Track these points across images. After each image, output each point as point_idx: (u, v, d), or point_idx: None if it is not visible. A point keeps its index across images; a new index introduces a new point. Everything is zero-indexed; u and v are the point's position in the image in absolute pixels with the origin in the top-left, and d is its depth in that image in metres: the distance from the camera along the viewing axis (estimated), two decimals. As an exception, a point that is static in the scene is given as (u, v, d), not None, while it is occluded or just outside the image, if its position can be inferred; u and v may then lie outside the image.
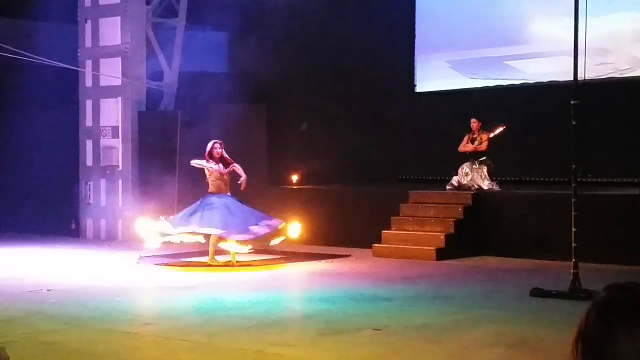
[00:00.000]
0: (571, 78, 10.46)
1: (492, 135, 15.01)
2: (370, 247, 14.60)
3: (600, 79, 14.72)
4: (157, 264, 13.46)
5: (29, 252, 15.43)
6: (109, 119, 17.76)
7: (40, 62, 16.06)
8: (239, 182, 13.15)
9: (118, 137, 17.62)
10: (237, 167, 13.16)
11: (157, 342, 8.19)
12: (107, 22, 17.64)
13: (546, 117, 15.22)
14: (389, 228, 14.84)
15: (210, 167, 13.04)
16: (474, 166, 15.09)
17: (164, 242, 13.23)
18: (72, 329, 8.71)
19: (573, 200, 10.29)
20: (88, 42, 17.91)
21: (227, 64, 18.51)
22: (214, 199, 12.96)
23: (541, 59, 16.37)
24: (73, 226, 18.21)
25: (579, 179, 10.52)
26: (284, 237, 13.21)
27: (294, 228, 13.41)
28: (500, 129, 14.98)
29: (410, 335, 8.29)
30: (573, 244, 10.24)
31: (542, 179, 15.82)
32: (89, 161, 18.05)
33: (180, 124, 17.02)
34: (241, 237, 12.77)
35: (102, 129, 17.85)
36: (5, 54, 15.51)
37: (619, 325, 1.59)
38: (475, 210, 14.49)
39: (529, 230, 13.92)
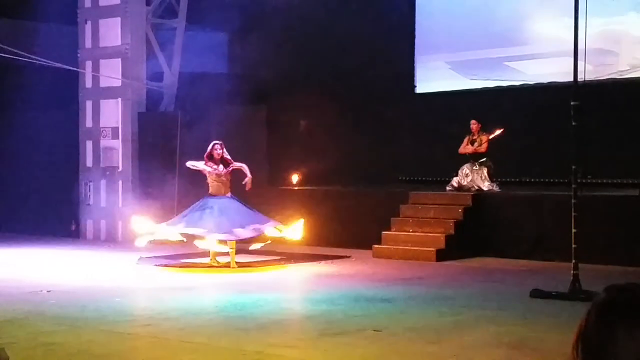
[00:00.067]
0: (571, 79, 10.46)
1: (491, 137, 15.03)
2: (370, 248, 14.61)
3: (600, 80, 14.73)
4: (157, 265, 13.46)
5: (29, 253, 15.43)
6: (109, 120, 17.76)
7: (40, 63, 16.06)
8: (243, 183, 13.14)
9: (118, 138, 17.62)
10: (244, 167, 13.16)
11: (157, 342, 8.19)
12: (107, 23, 17.64)
13: (546, 118, 15.23)
14: (389, 229, 14.84)
15: (204, 169, 13.05)
16: (474, 167, 15.10)
17: (151, 241, 13.25)
18: (72, 330, 8.70)
19: (573, 201, 10.29)
20: (88, 43, 17.91)
21: (227, 65, 18.52)
22: (211, 201, 12.98)
23: (541, 60, 16.37)
24: (73, 227, 18.21)
25: (579, 180, 10.52)
26: (265, 242, 13.18)
27: (297, 228, 13.37)
28: (499, 132, 14.99)
29: (410, 336, 8.28)
30: (573, 245, 10.24)
31: (542, 179, 15.82)
32: (89, 162, 18.05)
33: (180, 125, 17.02)
34: (222, 236, 12.77)
35: (102, 129, 17.85)
36: (6, 55, 15.51)
37: (619, 326, 1.59)
38: (475, 211, 14.49)
39: (529, 231, 13.93)
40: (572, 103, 10.29)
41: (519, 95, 16.46)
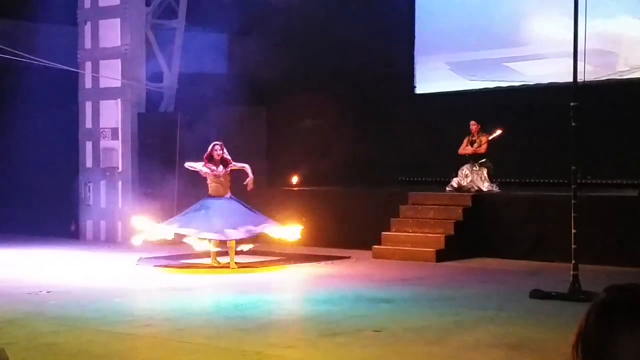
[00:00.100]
0: (571, 80, 10.47)
1: (490, 138, 15.03)
2: (370, 248, 14.61)
3: (599, 80, 14.73)
4: (157, 266, 13.46)
5: (29, 253, 15.42)
6: (109, 121, 17.76)
7: (40, 63, 16.05)
8: (245, 183, 13.15)
9: (118, 138, 17.62)
10: (247, 167, 13.16)
11: (157, 343, 8.19)
12: (107, 23, 17.64)
13: (545, 118, 15.23)
14: (388, 229, 14.84)
15: (201, 170, 13.06)
16: (474, 168, 15.10)
17: (147, 240, 13.29)
18: (72, 331, 8.71)
19: (573, 201, 10.30)
20: (88, 44, 17.91)
21: (227, 65, 18.51)
22: (209, 202, 13.00)
23: (541, 60, 16.37)
24: (73, 228, 18.20)
25: (578, 181, 10.52)
26: (253, 245, 13.16)
27: (295, 230, 13.38)
28: (498, 132, 14.99)
29: (410, 337, 8.29)
30: (573, 246, 10.24)
31: (541, 180, 15.82)
32: (89, 163, 18.04)
33: (180, 126, 17.02)
34: (212, 236, 12.78)
35: (101, 130, 17.85)
36: (5, 56, 15.51)
37: (619, 326, 1.60)
38: (475, 211, 14.50)
39: (529, 231, 13.93)
40: (571, 104, 10.30)
41: (518, 96, 16.47)
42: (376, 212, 15.25)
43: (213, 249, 13.11)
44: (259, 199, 14.69)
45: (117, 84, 17.51)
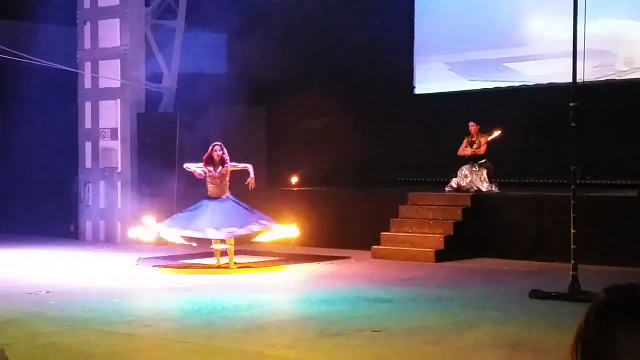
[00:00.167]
0: (570, 80, 10.47)
1: (490, 138, 15.03)
2: (369, 248, 14.60)
3: (599, 81, 14.74)
4: (156, 266, 13.46)
5: (28, 253, 15.42)
6: (108, 121, 17.76)
7: (40, 64, 16.05)
8: (246, 183, 13.14)
9: (117, 138, 17.62)
10: (249, 167, 13.16)
11: (157, 343, 8.19)
12: (106, 24, 17.64)
13: (545, 119, 15.23)
14: (388, 230, 14.84)
15: (194, 171, 13.06)
16: (473, 169, 15.10)
17: (138, 238, 13.37)
18: (71, 331, 8.70)
19: (572, 202, 10.30)
20: (87, 44, 17.91)
21: (226, 65, 18.52)
22: (204, 203, 13.02)
23: (540, 61, 16.38)
24: (72, 228, 18.20)
25: (578, 181, 10.52)
26: (229, 245, 13.18)
27: (290, 231, 13.39)
28: (497, 133, 15.00)
29: (410, 337, 8.29)
30: (572, 246, 10.24)
31: (541, 180, 15.83)
32: (88, 163, 18.04)
33: (179, 126, 17.02)
34: (190, 233, 12.81)
35: (101, 130, 17.85)
36: (5, 56, 15.51)
37: (619, 326, 1.60)
38: (474, 212, 14.49)
39: (528, 232, 13.93)
40: (571, 104, 10.30)
41: (518, 96, 16.47)
42: (375, 212, 15.25)
43: (216, 246, 13.11)
44: (258, 199, 14.68)
45: (117, 84, 17.51)
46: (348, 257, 14.50)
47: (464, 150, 15.21)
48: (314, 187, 17.13)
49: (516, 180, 16.01)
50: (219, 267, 13.10)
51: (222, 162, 13.07)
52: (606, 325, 1.61)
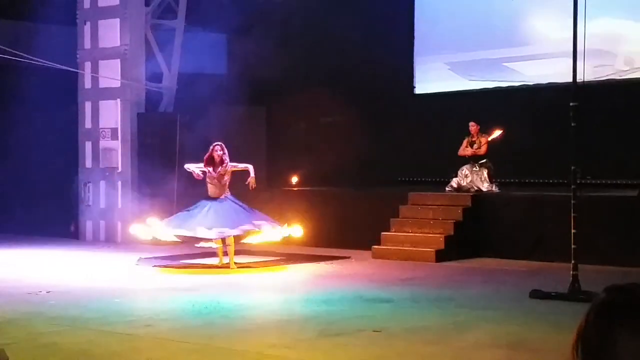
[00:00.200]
0: (570, 80, 10.47)
1: (490, 138, 15.03)
2: (369, 248, 14.60)
3: (599, 80, 14.74)
4: (156, 266, 13.46)
5: (28, 254, 15.42)
6: (108, 121, 17.76)
7: (40, 63, 16.05)
8: (246, 183, 13.14)
9: (117, 138, 17.61)
10: (249, 167, 13.16)
11: (157, 343, 8.19)
12: (106, 23, 17.63)
13: (545, 118, 15.23)
14: (388, 230, 14.83)
15: (193, 172, 13.07)
16: (474, 169, 15.09)
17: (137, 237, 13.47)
18: (71, 331, 8.71)
19: (572, 201, 10.30)
20: (87, 44, 17.90)
21: (226, 65, 18.51)
22: (202, 203, 13.03)
23: (540, 60, 16.38)
24: (72, 228, 18.20)
25: (578, 181, 10.52)
26: (210, 246, 13.20)
27: (293, 231, 13.40)
28: (498, 133, 14.99)
29: (410, 337, 8.29)
30: (572, 246, 10.24)
31: (541, 180, 15.83)
32: (88, 163, 18.04)
33: (179, 126, 17.02)
34: (182, 232, 12.85)
35: (101, 130, 17.84)
36: (5, 56, 15.50)
37: (619, 326, 1.60)
38: (474, 211, 14.49)
39: (529, 231, 13.93)
40: (571, 104, 10.30)
41: (518, 96, 16.48)
42: (376, 212, 15.25)
43: (215, 245, 13.13)
44: (258, 199, 14.68)
45: (117, 84, 17.51)
46: (348, 257, 14.50)
47: (465, 150, 15.20)
48: (314, 187, 17.12)
49: (516, 180, 16.01)
50: (222, 266, 13.09)
51: (222, 162, 13.07)
52: (607, 325, 1.61)
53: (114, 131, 17.68)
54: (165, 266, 13.46)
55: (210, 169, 13.01)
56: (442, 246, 14.10)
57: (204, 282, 12.06)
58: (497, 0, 17.24)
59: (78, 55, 17.98)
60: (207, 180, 13.09)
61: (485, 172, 15.04)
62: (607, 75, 15.41)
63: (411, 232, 14.60)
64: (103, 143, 17.81)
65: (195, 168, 13.13)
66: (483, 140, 15.05)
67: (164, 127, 17.29)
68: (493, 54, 16.99)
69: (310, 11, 17.76)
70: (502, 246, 14.01)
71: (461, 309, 9.73)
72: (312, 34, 18.05)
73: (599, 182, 14.63)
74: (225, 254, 13.16)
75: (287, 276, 12.89)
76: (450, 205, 14.73)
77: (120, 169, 17.57)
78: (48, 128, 18.15)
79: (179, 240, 13.24)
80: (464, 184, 15.10)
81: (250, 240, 13.24)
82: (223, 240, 13.01)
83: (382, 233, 14.75)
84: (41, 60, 16.03)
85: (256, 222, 12.98)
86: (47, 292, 11.00)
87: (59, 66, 16.38)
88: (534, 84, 16.46)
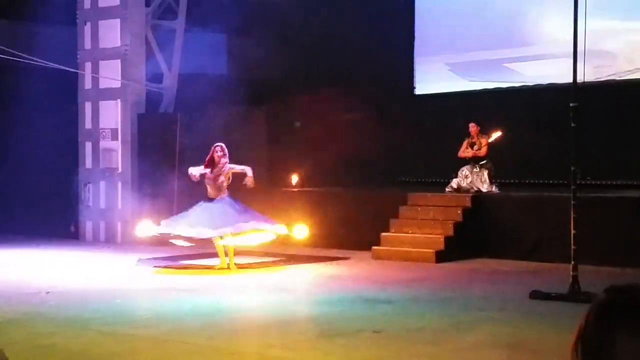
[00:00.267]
0: (570, 80, 10.46)
1: (490, 140, 15.02)
2: (369, 249, 14.59)
3: (599, 81, 14.72)
4: (156, 267, 13.46)
5: (28, 254, 15.42)
6: (109, 121, 17.75)
7: (40, 64, 16.05)
8: (244, 182, 13.13)
9: (117, 139, 17.61)
10: (246, 169, 13.13)
11: (157, 344, 8.19)
12: (107, 24, 17.64)
13: (545, 119, 15.23)
14: (388, 230, 14.83)
15: (191, 174, 13.07)
16: (474, 169, 15.08)
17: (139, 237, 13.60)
18: (71, 331, 8.70)
19: (572, 202, 10.29)
20: (87, 44, 17.91)
21: (227, 66, 18.51)
22: (200, 204, 13.04)
23: (540, 61, 16.38)
24: (72, 228, 18.20)
25: (578, 182, 10.52)
26: (189, 245, 13.21)
27: (297, 231, 13.42)
28: (498, 134, 14.99)
29: (410, 338, 8.29)
30: (572, 247, 10.24)
31: (541, 181, 15.82)
32: (89, 163, 18.04)
33: (179, 126, 17.02)
34: (170, 230, 12.88)
35: (101, 131, 17.84)
36: (5, 56, 15.51)
37: (619, 327, 1.59)
38: (474, 212, 14.49)
39: (529, 232, 13.92)
40: (571, 104, 10.30)
41: (518, 97, 16.47)
42: (375, 212, 15.24)
43: (187, 244, 13.19)
44: (257, 200, 14.68)
45: (117, 84, 17.51)
46: (348, 258, 14.49)
47: (465, 152, 15.18)
48: (314, 187, 17.12)
49: (516, 181, 16.00)
50: (222, 267, 13.08)
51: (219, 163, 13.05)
52: (606, 326, 1.61)
53: (114, 132, 17.68)
54: (165, 267, 13.46)
55: (209, 170, 13.01)
56: (442, 247, 14.09)
57: (203, 283, 12.06)
58: (497, 1, 17.24)
59: (78, 56, 17.99)
60: (206, 181, 13.09)
61: (485, 173, 15.02)
62: (608, 76, 15.41)
63: (411, 233, 14.59)
64: (103, 143, 17.81)
65: (193, 170, 13.10)
66: (483, 141, 15.04)
67: (164, 128, 17.29)
68: (493, 54, 16.99)
69: (310, 12, 17.76)
70: (502, 247, 14.00)
71: (461, 310, 9.72)
72: (312, 34, 18.05)
73: (599, 182, 14.63)
74: (226, 254, 13.15)
75: (286, 277, 12.88)
76: (450, 206, 14.72)
77: (120, 170, 17.57)
78: (48, 128, 18.15)
79: (173, 241, 13.23)
80: (464, 184, 15.09)
81: (249, 240, 13.20)
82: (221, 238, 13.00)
83: (382, 234, 14.74)
84: (41, 60, 16.03)
85: (252, 222, 12.96)
86: (47, 293, 10.99)
87: (59, 66, 16.38)
88: (534, 85, 16.46)
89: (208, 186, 13.07)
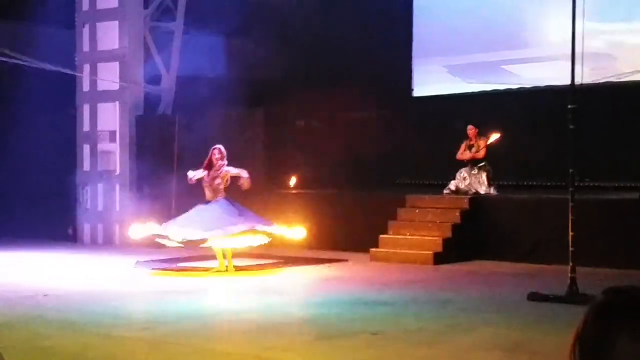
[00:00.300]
0: (568, 82, 10.47)
1: (488, 142, 15.03)
2: (367, 251, 14.59)
3: (597, 83, 14.74)
4: (154, 269, 13.45)
5: (26, 256, 15.40)
6: (107, 123, 17.75)
7: (38, 66, 16.04)
8: (239, 184, 13.12)
9: (116, 141, 17.61)
10: (241, 172, 13.10)
11: (155, 346, 8.17)
12: (105, 26, 17.64)
13: (543, 121, 15.24)
14: (386, 232, 14.82)
15: (188, 177, 13.08)
16: (472, 172, 15.08)
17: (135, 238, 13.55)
18: (69, 334, 8.69)
19: (570, 204, 10.30)
20: (86, 47, 17.91)
21: (225, 67, 18.51)
22: (197, 206, 13.03)
23: (538, 63, 16.39)
24: (70, 231, 18.18)
25: (576, 184, 10.52)
26: (178, 246, 13.20)
27: (294, 232, 13.40)
28: (496, 136, 14.99)
29: (408, 340, 8.28)
30: (570, 248, 10.24)
31: (539, 183, 15.83)
32: (87, 166, 18.03)
33: (178, 128, 17.02)
34: (161, 232, 12.86)
35: (99, 133, 17.83)
36: (3, 58, 15.50)
37: (617, 329, 1.59)
38: (472, 214, 14.49)
39: (527, 234, 13.92)
40: (569, 106, 10.30)
41: (516, 99, 16.48)
42: (374, 214, 15.24)
43: (175, 244, 13.19)
44: (256, 201, 14.68)
45: (115, 86, 17.51)
46: (346, 260, 14.49)
47: (463, 154, 15.18)
48: (313, 189, 17.12)
49: (514, 183, 16.01)
50: (218, 270, 13.08)
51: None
52: (605, 327, 1.61)
53: (112, 134, 17.68)
54: (163, 269, 13.46)
55: (207, 172, 13.00)
56: (440, 249, 14.09)
57: (202, 285, 12.06)
58: (496, 3, 17.25)
59: (77, 58, 17.98)
60: (203, 183, 13.09)
61: (483, 175, 15.02)
62: (605, 78, 15.41)
63: (409, 235, 14.59)
64: (101, 146, 17.80)
65: (194, 175, 13.08)
66: (481, 143, 15.04)
67: (162, 129, 17.29)
68: (491, 56, 16.99)
69: (309, 13, 17.76)
70: (500, 249, 14.01)
71: (459, 312, 9.72)
72: (310, 36, 18.05)
73: (597, 184, 14.64)
74: (224, 256, 13.14)
75: (284, 279, 12.88)
76: (448, 208, 14.72)
77: (118, 172, 17.57)
78: (46, 130, 18.14)
79: (168, 244, 13.20)
80: (462, 186, 15.09)
81: (238, 243, 13.16)
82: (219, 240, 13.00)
83: (380, 236, 14.74)
84: (40, 62, 16.03)
85: (240, 225, 12.90)
86: (44, 296, 10.97)
87: (57, 68, 16.39)
88: (532, 87, 16.46)
89: (205, 188, 13.06)
